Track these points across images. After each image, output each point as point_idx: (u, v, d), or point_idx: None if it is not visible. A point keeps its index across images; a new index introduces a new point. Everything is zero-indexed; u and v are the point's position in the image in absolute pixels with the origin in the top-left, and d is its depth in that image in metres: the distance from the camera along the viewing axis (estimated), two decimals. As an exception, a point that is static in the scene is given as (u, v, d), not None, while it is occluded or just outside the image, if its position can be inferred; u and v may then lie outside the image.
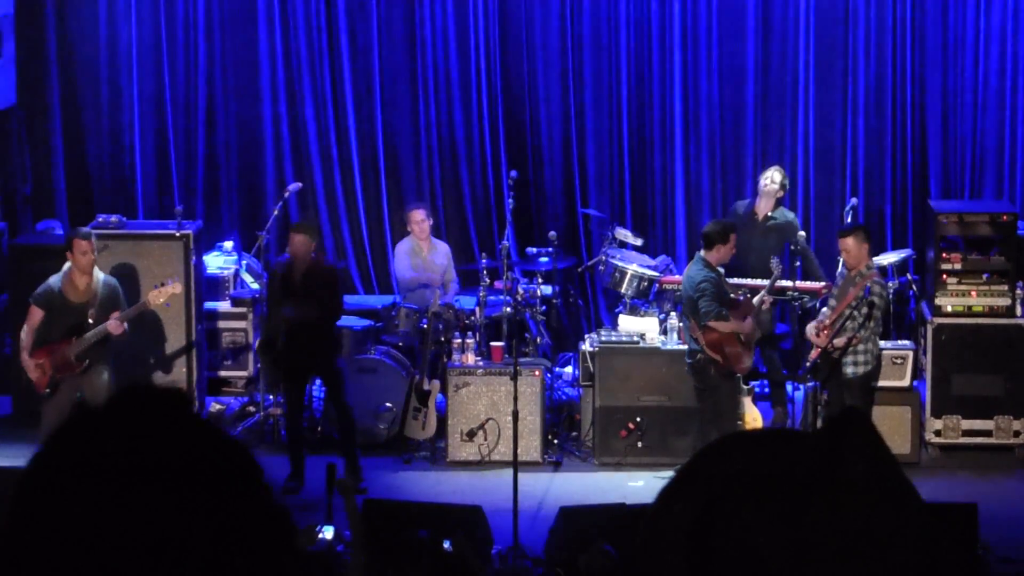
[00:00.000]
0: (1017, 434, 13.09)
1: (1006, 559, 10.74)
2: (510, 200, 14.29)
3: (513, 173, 14.41)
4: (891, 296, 13.48)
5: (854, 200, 14.23)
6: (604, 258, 13.83)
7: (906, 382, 12.94)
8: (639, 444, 12.92)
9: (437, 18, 15.54)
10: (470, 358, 13.11)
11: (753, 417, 12.70)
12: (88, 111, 15.68)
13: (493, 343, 13.28)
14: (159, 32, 15.56)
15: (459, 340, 13.21)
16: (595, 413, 13.02)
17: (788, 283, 13.26)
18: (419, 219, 14.42)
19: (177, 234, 13.53)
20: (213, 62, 15.68)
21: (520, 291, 13.67)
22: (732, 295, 12.41)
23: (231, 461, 1.70)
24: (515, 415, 11.32)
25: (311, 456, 12.37)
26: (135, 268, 13.37)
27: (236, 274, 14.72)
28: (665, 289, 13.68)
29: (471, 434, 12.96)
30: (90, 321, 11.94)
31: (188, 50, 15.64)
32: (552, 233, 13.98)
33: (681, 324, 12.78)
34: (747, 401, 12.63)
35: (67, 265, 12.04)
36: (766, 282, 12.70)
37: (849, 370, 11.91)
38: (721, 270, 12.22)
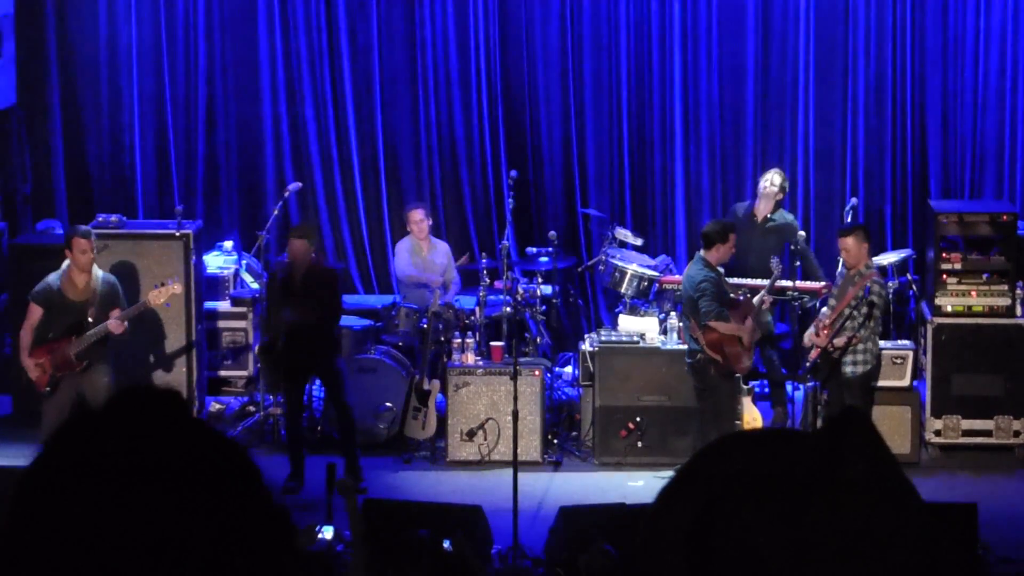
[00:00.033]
0: (1017, 434, 13.09)
1: (1006, 559, 10.74)
2: (510, 200, 14.30)
3: (513, 173, 14.42)
4: (891, 296, 13.49)
5: (854, 200, 14.24)
6: (604, 258, 13.84)
7: (906, 382, 12.94)
8: (639, 444, 12.92)
9: (437, 18, 15.54)
10: (470, 358, 13.11)
11: (753, 417, 12.70)
12: (88, 111, 15.68)
13: (493, 343, 13.28)
14: (159, 32, 15.56)
15: (459, 340, 13.21)
16: (595, 413, 13.02)
17: (788, 283, 13.26)
18: (418, 219, 14.42)
19: (177, 234, 13.53)
20: (213, 62, 15.68)
21: (520, 291, 13.68)
22: (732, 295, 12.41)
23: (230, 462, 1.71)
24: (515, 415, 11.32)
25: (311, 456, 12.38)
26: (135, 268, 13.38)
27: (236, 274, 14.72)
28: (665, 289, 13.68)
29: (471, 434, 12.96)
30: (90, 320, 11.94)
31: (188, 50, 15.65)
32: (552, 233, 13.98)
33: (681, 324, 12.78)
34: (747, 401, 12.63)
35: (66, 263, 12.04)
36: (766, 282, 12.71)
37: (848, 369, 11.91)
38: (721, 270, 12.23)
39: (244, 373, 14.44)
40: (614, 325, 13.83)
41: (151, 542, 1.62)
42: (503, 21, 15.53)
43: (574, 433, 13.45)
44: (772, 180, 13.80)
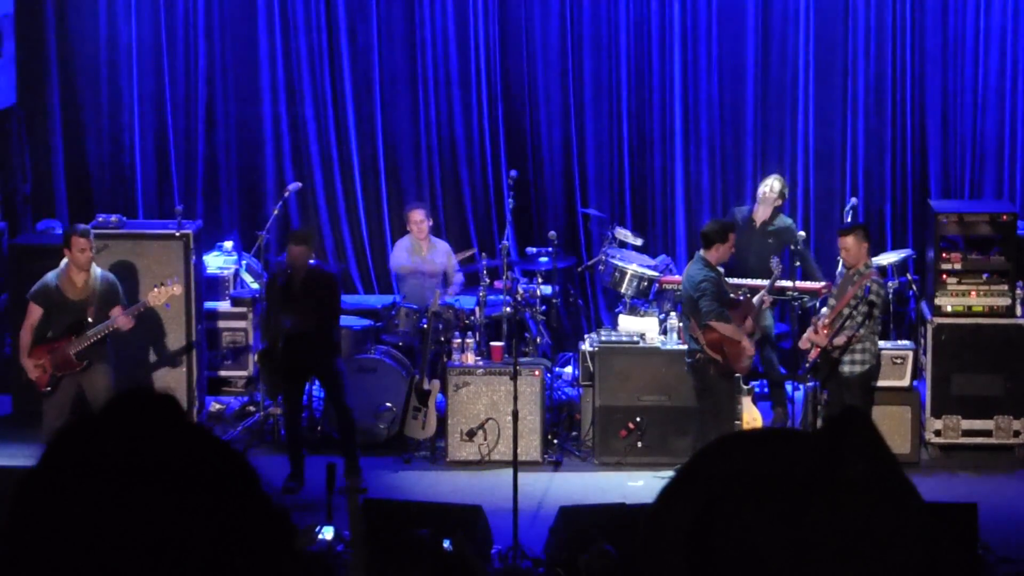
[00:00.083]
0: (1017, 434, 13.09)
1: (1006, 559, 10.73)
2: (510, 200, 14.30)
3: (513, 173, 14.42)
4: (890, 296, 13.50)
5: (854, 200, 14.24)
6: (604, 258, 13.84)
7: (906, 382, 12.94)
8: (639, 444, 12.92)
9: (437, 18, 15.54)
10: (470, 358, 13.11)
11: (753, 417, 12.69)
12: (88, 111, 15.68)
13: (493, 343, 13.28)
14: (159, 32, 15.56)
15: (459, 340, 13.21)
16: (595, 413, 13.02)
17: (788, 283, 13.26)
18: (418, 219, 14.43)
19: (177, 234, 13.53)
20: (213, 62, 15.68)
21: (520, 291, 13.68)
22: (732, 295, 12.42)
23: (227, 464, 1.71)
24: (515, 415, 11.32)
25: (311, 456, 12.38)
26: (135, 268, 13.37)
27: (236, 274, 14.72)
28: (665, 289, 13.68)
29: (471, 434, 12.96)
30: (89, 320, 11.94)
31: (188, 50, 15.64)
32: (552, 233, 13.98)
33: (681, 324, 12.78)
34: (747, 401, 12.63)
35: (64, 262, 12.04)
36: (766, 282, 12.71)
37: (846, 369, 11.92)
38: (721, 269, 12.24)
39: (244, 373, 14.44)
40: (614, 325, 13.83)
41: (150, 543, 1.63)
42: (503, 21, 15.53)
43: (574, 433, 13.45)
44: (772, 186, 13.81)
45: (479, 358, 13.17)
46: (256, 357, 13.84)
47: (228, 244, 15.04)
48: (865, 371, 11.97)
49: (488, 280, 13.79)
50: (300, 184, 14.92)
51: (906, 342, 13.37)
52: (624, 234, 14.28)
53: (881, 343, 12.53)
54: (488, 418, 12.94)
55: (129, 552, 1.62)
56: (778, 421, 13.27)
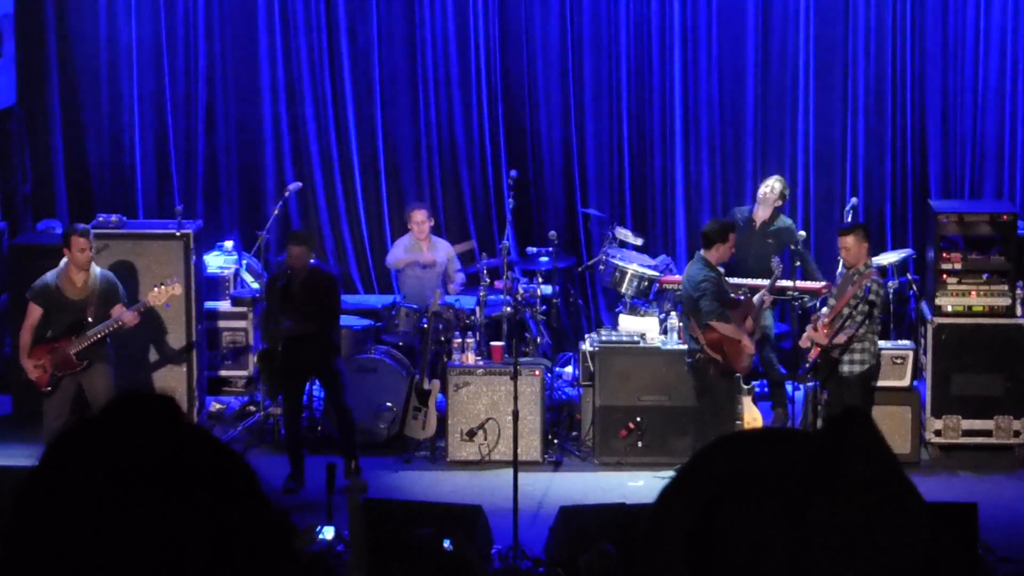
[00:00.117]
0: (1017, 434, 13.09)
1: (1006, 559, 10.73)
2: (510, 200, 14.30)
3: (513, 173, 14.42)
4: (891, 296, 13.51)
5: (854, 199, 14.24)
6: (604, 258, 13.84)
7: (906, 382, 12.94)
8: (639, 444, 12.92)
9: (437, 18, 15.55)
10: (470, 358, 13.11)
11: (753, 417, 12.69)
12: (88, 111, 15.68)
13: (493, 343, 13.28)
14: (159, 32, 15.56)
15: (459, 340, 13.21)
16: (595, 413, 13.02)
17: (788, 283, 13.26)
18: (420, 219, 14.43)
19: (177, 233, 13.53)
20: (213, 62, 15.68)
21: (520, 291, 13.68)
22: (732, 295, 12.41)
23: (227, 465, 1.71)
24: (515, 415, 11.32)
25: (311, 456, 12.38)
26: (135, 267, 13.37)
27: (236, 274, 14.72)
28: (665, 289, 13.68)
29: (471, 434, 12.96)
30: (89, 319, 11.94)
31: (188, 50, 15.65)
32: (552, 233, 13.98)
33: (681, 324, 12.78)
34: (748, 401, 12.62)
35: (64, 261, 12.04)
36: (766, 282, 12.72)
37: (845, 368, 11.92)
38: (721, 269, 12.24)
39: (244, 373, 14.45)
40: (614, 325, 13.83)
41: (150, 544, 1.63)
42: (503, 21, 15.54)
43: (574, 433, 13.45)
44: (772, 187, 13.82)
45: (479, 358, 13.17)
46: (256, 357, 13.84)
47: (228, 244, 15.04)
48: (864, 371, 11.97)
49: (488, 280, 13.80)
50: (300, 184, 14.93)
51: (906, 342, 13.37)
52: (624, 234, 14.28)
53: (881, 343, 12.53)
54: (488, 418, 12.94)
55: (129, 553, 1.62)
56: (778, 421, 13.27)
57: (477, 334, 13.41)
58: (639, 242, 14.30)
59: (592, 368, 13.06)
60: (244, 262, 14.71)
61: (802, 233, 13.91)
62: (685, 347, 12.46)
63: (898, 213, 15.48)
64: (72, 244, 11.91)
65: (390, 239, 15.54)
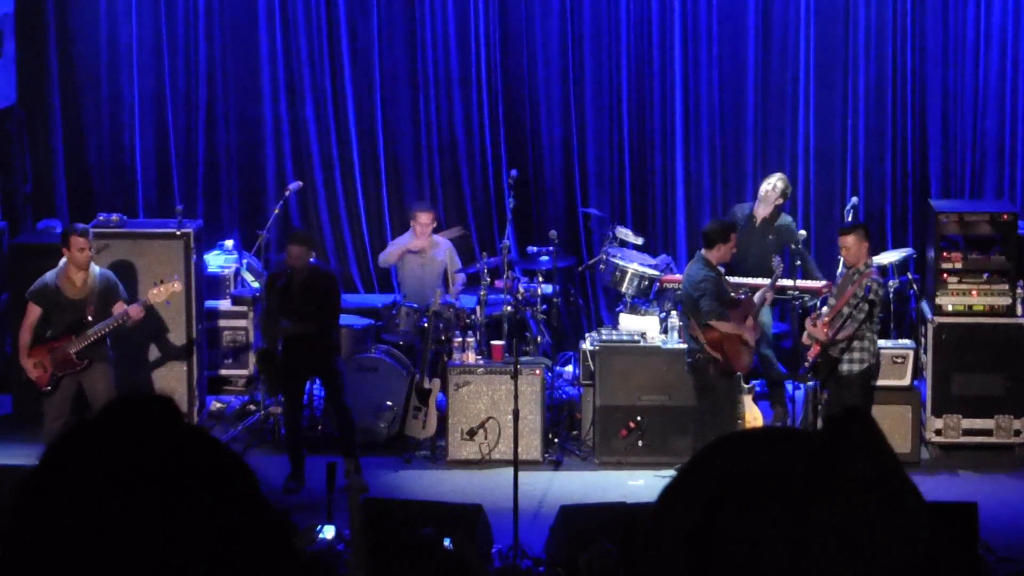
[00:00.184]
0: (1017, 433, 13.09)
1: (1006, 559, 10.73)
2: (510, 199, 14.29)
3: (513, 172, 14.42)
4: (891, 295, 13.50)
5: (855, 199, 14.24)
6: (605, 257, 13.84)
7: (906, 381, 12.95)
8: (639, 443, 12.92)
9: (437, 17, 15.55)
10: (471, 357, 13.11)
11: (754, 416, 12.70)
12: (88, 111, 15.68)
13: (494, 342, 13.28)
14: (159, 32, 15.57)
15: (460, 339, 13.21)
16: (595, 412, 13.02)
17: (789, 282, 13.26)
18: (425, 221, 14.29)
19: (178, 233, 13.53)
20: (213, 61, 15.68)
21: (521, 290, 13.68)
22: (732, 294, 12.41)
23: (226, 466, 1.71)
24: (515, 414, 11.32)
25: (311, 456, 12.37)
26: (135, 267, 13.37)
27: (237, 273, 14.71)
28: (666, 288, 13.68)
29: (471, 433, 12.96)
30: (89, 319, 11.94)
31: (188, 49, 15.65)
32: (552, 232, 13.97)
33: (681, 323, 12.78)
34: (748, 400, 12.63)
35: (63, 261, 12.04)
36: (766, 281, 12.71)
37: (845, 367, 11.92)
38: (721, 269, 12.24)
39: (244, 372, 14.45)
40: (615, 324, 13.82)
41: (149, 545, 1.63)
42: (503, 20, 15.54)
43: (574, 432, 13.45)
44: (775, 185, 13.81)
45: (480, 357, 13.17)
46: (255, 357, 13.84)
47: (229, 243, 15.04)
48: (864, 370, 11.97)
49: (489, 279, 13.79)
50: (301, 183, 14.92)
51: (907, 341, 13.37)
52: (625, 233, 14.27)
53: (882, 342, 12.53)
54: (488, 417, 12.94)
55: (129, 553, 1.63)
56: (778, 420, 13.27)
57: (477, 333, 13.41)
58: (639, 241, 14.29)
59: (592, 367, 13.06)
60: (244, 261, 14.71)
61: (803, 232, 13.91)
62: (685, 347, 12.46)
63: (898, 213, 15.48)
64: (71, 244, 11.91)
65: (390, 238, 15.53)
